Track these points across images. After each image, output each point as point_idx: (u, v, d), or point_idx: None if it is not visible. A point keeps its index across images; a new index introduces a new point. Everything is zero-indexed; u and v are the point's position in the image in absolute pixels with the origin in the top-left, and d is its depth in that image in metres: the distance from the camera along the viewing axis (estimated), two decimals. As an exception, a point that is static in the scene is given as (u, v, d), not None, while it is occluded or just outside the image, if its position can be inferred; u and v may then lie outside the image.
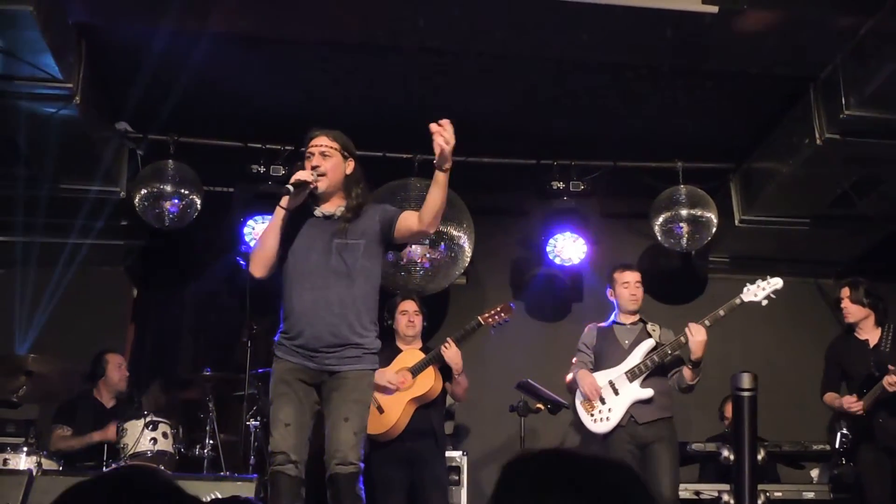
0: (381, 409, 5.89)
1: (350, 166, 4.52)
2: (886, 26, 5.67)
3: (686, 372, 5.77)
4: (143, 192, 7.07)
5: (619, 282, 6.05)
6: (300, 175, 4.38)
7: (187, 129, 7.13)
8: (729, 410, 7.32)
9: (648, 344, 5.86)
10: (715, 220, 7.51)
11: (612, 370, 5.88)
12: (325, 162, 4.43)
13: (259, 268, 4.42)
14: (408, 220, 4.43)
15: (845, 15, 5.80)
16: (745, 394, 6.27)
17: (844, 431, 6.11)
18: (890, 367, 5.74)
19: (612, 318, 6.12)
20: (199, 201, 7.17)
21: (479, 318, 6.08)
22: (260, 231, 4.38)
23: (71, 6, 5.66)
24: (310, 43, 6.20)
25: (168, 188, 7.06)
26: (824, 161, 6.66)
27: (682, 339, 5.71)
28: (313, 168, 4.42)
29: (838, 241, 8.09)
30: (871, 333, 6.16)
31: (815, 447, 7.01)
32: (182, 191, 7.10)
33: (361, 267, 4.41)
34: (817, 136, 6.45)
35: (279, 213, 4.37)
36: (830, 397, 6.24)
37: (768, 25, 5.87)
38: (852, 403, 5.96)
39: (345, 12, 5.74)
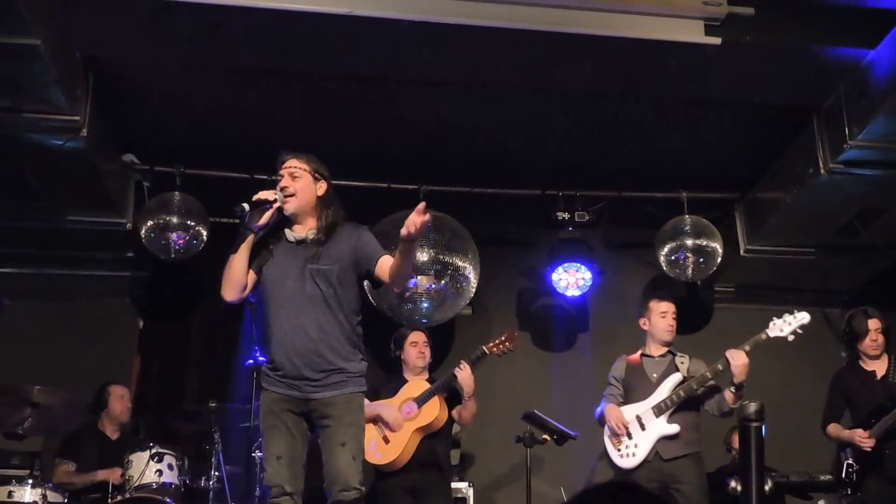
0: (386, 440, 5.87)
1: (322, 188, 4.48)
2: (888, 56, 5.70)
3: (728, 395, 5.65)
4: (150, 223, 7.08)
5: (656, 312, 5.95)
6: (260, 194, 4.35)
7: (193, 161, 7.16)
8: (736, 441, 7.27)
9: (676, 378, 5.77)
10: (720, 250, 7.51)
11: (640, 404, 5.81)
12: (294, 183, 4.41)
13: (230, 291, 4.37)
14: (384, 267, 4.36)
15: (847, 45, 5.84)
16: (752, 423, 6.24)
17: (850, 461, 6.07)
18: None
19: (641, 349, 6.05)
20: (205, 233, 7.18)
21: (483, 347, 6.08)
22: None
23: (78, 39, 5.70)
24: (315, 74, 6.23)
25: (174, 220, 7.07)
26: (828, 191, 6.68)
27: (718, 366, 5.62)
28: (281, 189, 4.40)
29: (843, 270, 8.09)
30: (877, 364, 6.16)
31: (822, 477, 6.95)
32: (188, 222, 7.11)
33: (333, 293, 4.34)
34: (821, 165, 6.46)
35: (244, 233, 4.34)
36: (834, 428, 6.22)
37: (771, 56, 5.91)
38: (864, 439, 5.94)
39: (348, 45, 5.78)
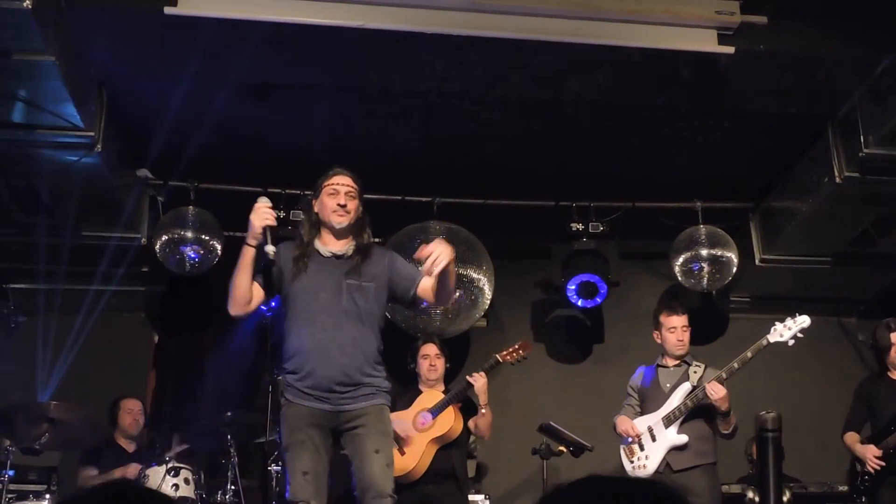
0: (401, 451, 5.86)
1: (361, 208, 4.55)
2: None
3: (719, 423, 5.70)
4: (164, 238, 7.11)
5: (666, 326, 5.93)
6: (269, 220, 4.31)
7: (207, 175, 7.19)
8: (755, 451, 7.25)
9: (685, 388, 5.76)
10: (735, 260, 7.48)
11: (652, 415, 5.81)
12: (350, 202, 4.46)
13: (237, 307, 4.39)
14: (426, 287, 4.44)
15: (862, 53, 5.82)
16: (770, 434, 6.22)
17: (865, 470, 6.06)
18: None
19: (658, 359, 6.04)
20: (219, 247, 7.20)
21: (497, 356, 6.09)
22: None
23: (93, 56, 5.73)
24: (329, 88, 6.25)
25: (189, 234, 7.10)
26: (844, 199, 6.65)
27: (711, 394, 5.59)
28: (340, 206, 4.42)
29: (860, 279, 8.05)
30: (897, 371, 6.16)
31: (840, 488, 6.90)
32: (203, 237, 7.14)
33: (370, 309, 4.39)
34: (836, 174, 6.44)
35: (248, 251, 4.33)
36: (851, 438, 6.23)
37: (785, 65, 5.90)
38: (873, 459, 5.94)
39: (363, 58, 5.80)
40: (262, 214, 4.29)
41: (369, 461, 4.23)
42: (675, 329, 5.90)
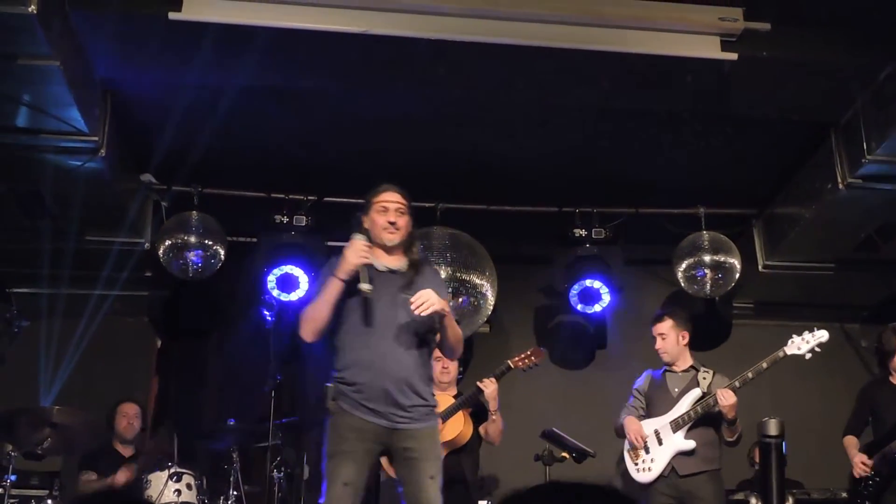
0: None
1: (411, 223, 4.56)
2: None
3: (724, 430, 5.70)
4: (168, 243, 7.11)
5: (654, 334, 6.00)
6: (365, 260, 4.32)
7: (211, 181, 7.20)
8: (758, 455, 7.24)
9: (695, 393, 5.75)
10: (738, 266, 7.48)
11: (659, 419, 5.81)
12: (400, 219, 4.46)
13: (311, 334, 4.38)
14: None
15: (865, 60, 5.82)
16: (772, 440, 6.21)
17: (866, 475, 6.10)
18: None
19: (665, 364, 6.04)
20: (222, 252, 7.20)
21: (508, 361, 6.07)
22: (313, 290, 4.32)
23: (97, 60, 5.74)
24: (333, 94, 6.26)
25: (192, 239, 7.10)
26: (847, 206, 6.65)
27: (721, 401, 5.58)
28: (391, 223, 4.43)
29: (863, 285, 8.05)
30: (905, 379, 6.18)
31: (843, 494, 6.90)
32: (206, 241, 7.14)
33: (422, 323, 4.37)
34: (839, 180, 6.44)
35: (337, 284, 4.31)
36: (850, 441, 6.28)
37: (788, 72, 5.90)
38: (862, 467, 6.02)
39: (368, 62, 5.80)
40: (359, 252, 4.30)
41: (425, 488, 4.21)
42: (658, 337, 5.96)
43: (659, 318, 6.04)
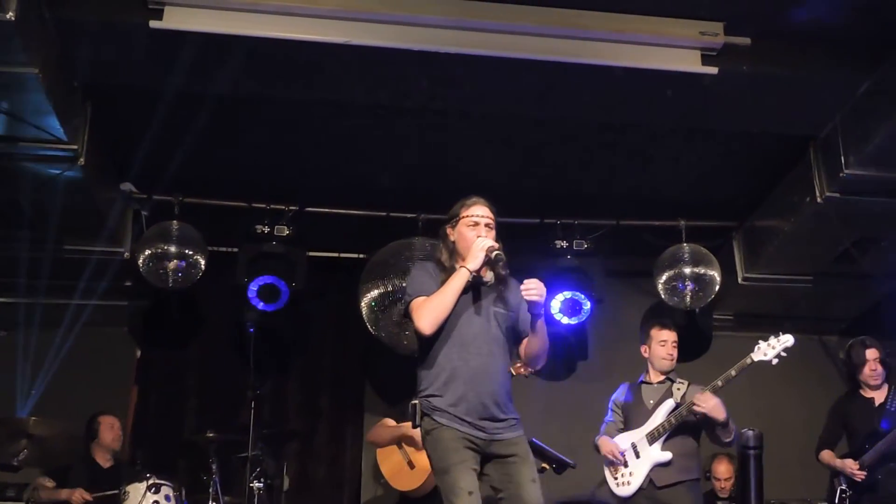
0: (411, 465, 5.82)
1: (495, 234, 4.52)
2: (884, 85, 5.73)
3: (720, 432, 5.65)
4: (147, 252, 7.08)
5: (656, 339, 5.93)
6: (492, 246, 4.33)
7: (192, 190, 7.17)
8: (717, 469, 7.26)
9: (669, 404, 5.75)
10: (718, 278, 7.51)
11: (636, 432, 5.80)
12: (490, 234, 4.43)
13: (432, 325, 4.26)
14: (523, 345, 4.47)
15: (844, 74, 5.88)
16: (752, 451, 6.24)
17: (844, 487, 6.15)
18: None
19: (642, 375, 6.03)
20: (203, 262, 7.17)
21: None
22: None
23: (77, 69, 5.71)
24: (314, 104, 6.25)
25: (172, 249, 7.07)
26: (825, 219, 6.69)
27: (700, 406, 5.58)
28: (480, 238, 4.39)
29: (841, 298, 8.10)
30: (876, 392, 6.24)
31: (819, 504, 6.96)
32: (186, 251, 7.11)
33: (512, 339, 4.39)
34: (818, 194, 6.49)
35: (466, 275, 4.28)
36: (827, 455, 6.32)
37: (768, 86, 5.94)
38: (855, 470, 6.04)
39: (349, 74, 5.80)
40: (487, 243, 4.32)
41: (528, 490, 4.18)
42: (666, 343, 5.91)
43: (669, 326, 6.01)
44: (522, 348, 4.45)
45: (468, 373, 4.22)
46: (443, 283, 4.31)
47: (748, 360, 5.58)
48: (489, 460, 4.25)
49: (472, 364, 4.23)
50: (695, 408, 5.54)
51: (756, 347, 5.59)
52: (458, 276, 4.27)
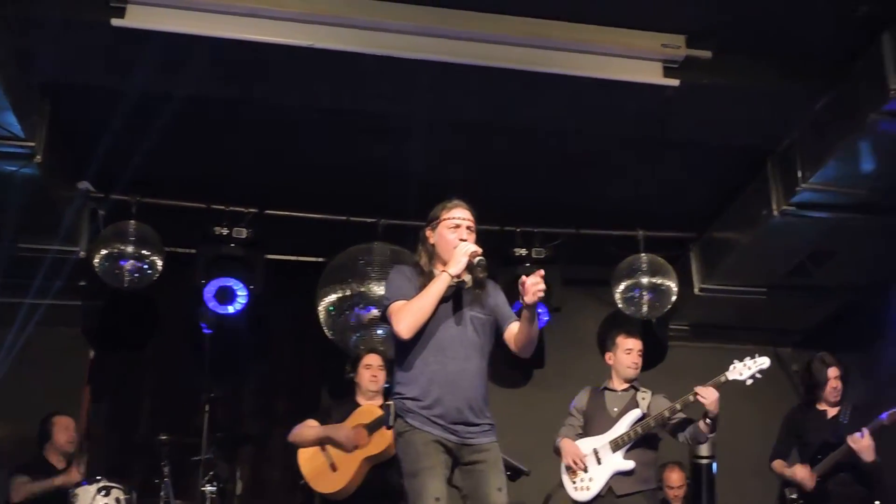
0: (333, 467, 5.78)
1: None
2: (841, 101, 5.81)
3: (703, 426, 5.59)
4: (103, 252, 7.01)
5: (622, 347, 5.93)
6: (476, 251, 4.28)
7: (151, 190, 7.10)
8: (669, 477, 7.29)
9: (635, 414, 5.75)
10: (675, 289, 7.58)
11: (598, 438, 5.79)
12: (471, 237, 4.38)
13: (411, 330, 4.22)
14: (512, 333, 4.40)
15: (803, 89, 5.95)
16: (703, 461, 6.30)
17: (794, 497, 6.21)
18: (848, 438, 5.91)
19: (605, 382, 6.03)
20: (160, 262, 7.12)
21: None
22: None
23: (36, 65, 5.64)
24: (276, 107, 6.22)
25: (129, 249, 7.01)
26: (781, 232, 6.77)
27: (677, 406, 5.60)
28: (462, 241, 4.33)
29: (796, 310, 8.20)
30: (829, 405, 6.31)
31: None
32: (143, 252, 7.05)
33: (486, 342, 4.36)
34: (774, 207, 6.55)
35: (447, 279, 4.23)
36: (780, 465, 6.39)
37: (728, 98, 6.01)
38: (806, 479, 6.11)
39: (314, 78, 5.79)
40: (470, 247, 4.26)
41: (493, 497, 4.17)
42: (632, 351, 5.92)
43: (635, 334, 6.03)
44: (512, 337, 4.38)
45: (445, 377, 4.20)
46: (421, 286, 4.28)
47: (722, 379, 5.57)
48: (461, 463, 4.24)
49: (450, 368, 4.21)
50: (698, 398, 5.51)
51: (731, 367, 5.60)
52: (439, 281, 4.24)
